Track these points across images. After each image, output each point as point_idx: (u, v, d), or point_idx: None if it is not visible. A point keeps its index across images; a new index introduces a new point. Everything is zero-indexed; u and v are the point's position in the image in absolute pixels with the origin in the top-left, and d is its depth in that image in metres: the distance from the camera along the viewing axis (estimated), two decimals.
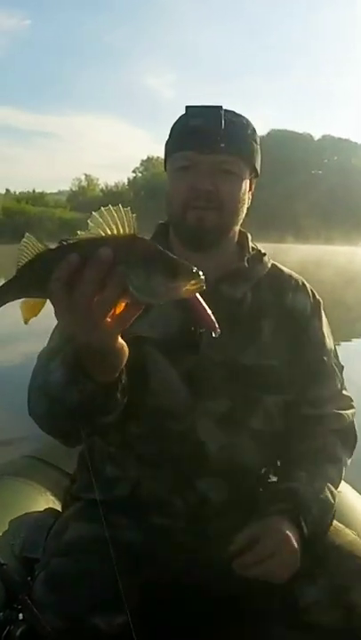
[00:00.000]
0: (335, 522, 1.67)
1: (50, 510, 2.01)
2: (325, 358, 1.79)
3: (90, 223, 1.12)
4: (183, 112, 1.68)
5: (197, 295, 1.27)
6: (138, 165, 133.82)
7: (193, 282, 1.11)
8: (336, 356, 1.85)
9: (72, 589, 1.48)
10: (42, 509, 2.05)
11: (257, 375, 1.64)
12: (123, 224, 1.11)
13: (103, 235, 1.12)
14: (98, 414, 1.45)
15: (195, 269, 1.11)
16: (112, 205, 1.11)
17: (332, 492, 1.63)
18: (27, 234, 1.17)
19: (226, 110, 1.66)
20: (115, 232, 1.11)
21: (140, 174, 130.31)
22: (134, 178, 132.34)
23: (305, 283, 1.87)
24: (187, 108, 1.70)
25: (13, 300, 1.19)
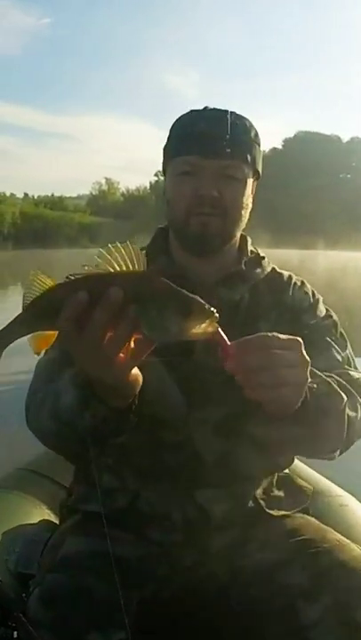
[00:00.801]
0: (340, 536, 1.66)
1: (45, 522, 2.01)
2: (321, 335, 1.75)
3: (97, 259, 1.12)
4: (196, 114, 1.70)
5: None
6: (160, 169, 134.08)
7: (208, 321, 1.12)
8: (343, 338, 1.80)
9: (68, 606, 1.47)
10: (34, 521, 2.06)
11: None
12: (132, 261, 1.12)
13: (112, 270, 1.12)
14: (110, 437, 1.45)
15: (209, 308, 1.11)
16: (120, 243, 1.12)
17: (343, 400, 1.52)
18: (33, 270, 1.17)
19: (230, 112, 1.68)
20: (124, 269, 1.12)
21: (162, 178, 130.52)
22: (156, 181, 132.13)
23: (304, 281, 1.88)
24: (191, 111, 1.73)
25: (23, 337, 1.19)
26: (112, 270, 1.12)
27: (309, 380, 1.33)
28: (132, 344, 1.16)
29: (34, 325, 1.18)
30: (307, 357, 1.30)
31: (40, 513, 2.20)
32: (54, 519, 2.08)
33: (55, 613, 1.46)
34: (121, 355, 1.17)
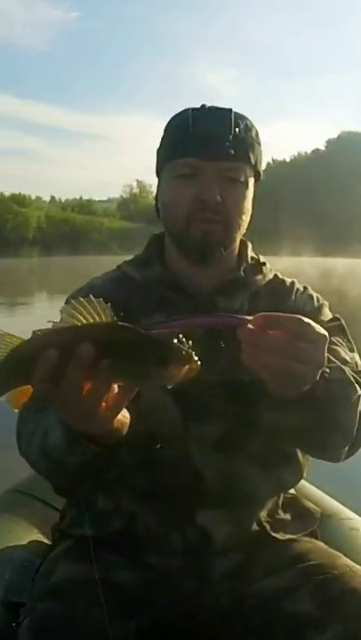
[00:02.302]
0: (350, 562, 1.65)
1: (36, 547, 2.00)
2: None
3: (62, 315, 1.14)
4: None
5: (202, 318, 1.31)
6: None
7: (188, 366, 1.13)
8: (351, 343, 1.78)
9: (60, 636, 1.47)
10: (25, 546, 2.06)
11: (256, 392, 1.55)
12: (98, 315, 1.12)
13: (80, 324, 1.13)
14: (101, 472, 1.46)
15: (186, 353, 1.12)
16: (83, 298, 1.13)
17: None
18: None
19: (231, 110, 1.68)
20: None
21: None
22: None
23: (308, 287, 1.88)
24: (188, 110, 1.71)
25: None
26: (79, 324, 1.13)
27: (318, 378, 1.32)
28: (114, 392, 1.18)
29: (7, 386, 1.18)
30: (325, 357, 1.29)
31: (31, 537, 2.19)
32: (46, 543, 2.07)
33: None
34: (103, 404, 1.18)
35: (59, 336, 1.13)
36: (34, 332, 1.15)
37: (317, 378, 1.32)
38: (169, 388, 1.16)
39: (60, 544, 1.78)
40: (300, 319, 1.25)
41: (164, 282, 1.75)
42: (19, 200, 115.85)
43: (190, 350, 1.13)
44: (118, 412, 1.23)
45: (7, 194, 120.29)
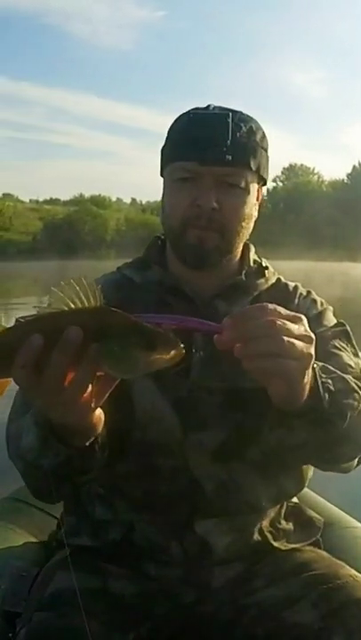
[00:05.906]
0: (354, 572, 1.66)
1: (33, 556, 2.02)
2: (329, 341, 1.73)
3: (50, 299, 1.14)
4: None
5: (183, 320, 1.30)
6: (279, 173, 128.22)
7: (172, 352, 1.15)
8: (355, 348, 1.79)
9: None
10: (22, 555, 2.07)
11: (258, 399, 1.52)
12: (87, 296, 1.14)
13: (66, 309, 1.14)
14: (76, 475, 1.48)
15: (172, 339, 1.15)
16: (73, 279, 1.14)
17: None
18: None
19: (233, 112, 1.69)
20: (78, 306, 1.14)
21: (280, 184, 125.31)
22: (274, 188, 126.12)
23: (311, 292, 1.89)
24: (191, 111, 1.73)
25: None
26: (66, 308, 1.14)
27: (315, 362, 1.33)
28: (95, 382, 1.19)
29: None
30: (311, 334, 1.29)
31: (28, 545, 2.19)
32: (43, 552, 2.07)
33: None
34: (84, 395, 1.19)
35: (44, 322, 1.14)
36: (17, 320, 1.16)
37: (312, 357, 1.31)
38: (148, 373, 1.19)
39: (58, 553, 1.80)
40: (263, 305, 1.27)
41: (164, 285, 1.77)
42: (98, 202, 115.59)
43: (176, 337, 1.15)
44: (100, 402, 1.24)
45: (87, 195, 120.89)
